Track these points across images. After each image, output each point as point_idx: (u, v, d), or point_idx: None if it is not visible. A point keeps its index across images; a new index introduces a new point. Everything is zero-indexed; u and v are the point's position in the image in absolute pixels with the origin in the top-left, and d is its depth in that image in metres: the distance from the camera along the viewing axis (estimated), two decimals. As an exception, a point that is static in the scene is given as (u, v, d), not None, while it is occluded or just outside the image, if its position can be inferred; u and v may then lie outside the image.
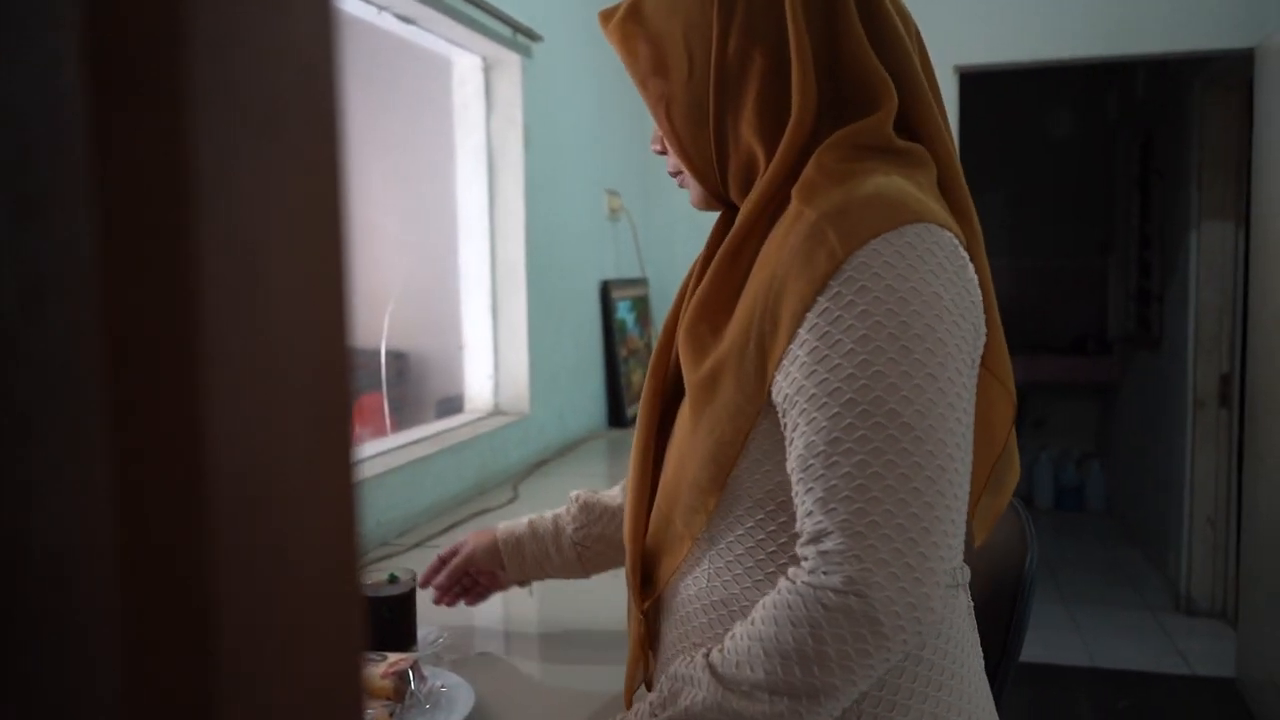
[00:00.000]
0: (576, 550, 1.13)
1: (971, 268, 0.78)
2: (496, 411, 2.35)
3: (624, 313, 2.96)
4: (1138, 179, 4.75)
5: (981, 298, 0.78)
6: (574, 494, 1.16)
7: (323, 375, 0.23)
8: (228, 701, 0.19)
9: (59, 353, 0.23)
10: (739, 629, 0.76)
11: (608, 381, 2.86)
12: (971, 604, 0.89)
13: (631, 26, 0.86)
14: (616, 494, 1.14)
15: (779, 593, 0.74)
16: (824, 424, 0.72)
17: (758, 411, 0.78)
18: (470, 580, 1.20)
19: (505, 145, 2.30)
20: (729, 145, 0.84)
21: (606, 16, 0.89)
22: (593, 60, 2.79)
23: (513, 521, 1.19)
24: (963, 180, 0.83)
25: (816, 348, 0.73)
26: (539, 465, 2.29)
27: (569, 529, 1.14)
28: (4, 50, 0.21)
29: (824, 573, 0.70)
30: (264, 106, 0.21)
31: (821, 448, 0.71)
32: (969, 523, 0.87)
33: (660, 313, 3.31)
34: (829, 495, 0.71)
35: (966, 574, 0.87)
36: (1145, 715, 3.06)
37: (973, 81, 3.33)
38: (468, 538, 1.20)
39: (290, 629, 0.22)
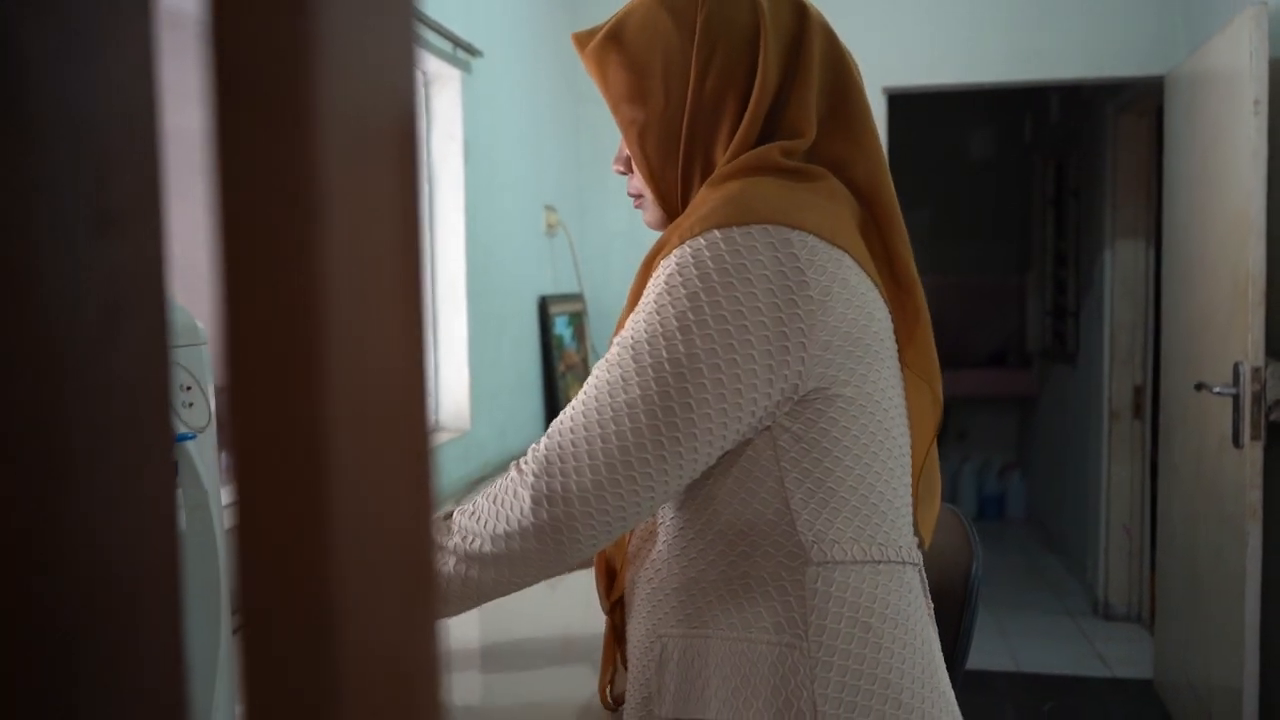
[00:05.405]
0: None
1: (813, 276, 0.77)
2: (436, 428, 2.32)
3: (561, 328, 2.96)
4: (1053, 199, 4.93)
5: (813, 310, 0.77)
6: None
7: (408, 380, 0.23)
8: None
9: (133, 372, 0.23)
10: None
11: (546, 397, 2.85)
12: (927, 591, 0.92)
13: (610, 53, 0.88)
14: None
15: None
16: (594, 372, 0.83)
17: None
18: None
19: (445, 160, 2.29)
20: (695, 174, 0.88)
21: (582, 40, 0.91)
22: (531, 76, 2.80)
23: None
24: (887, 196, 0.88)
25: (630, 319, 0.82)
26: (480, 482, 2.28)
27: None
28: (82, 60, 0.21)
29: (528, 462, 0.83)
30: (362, 124, 0.22)
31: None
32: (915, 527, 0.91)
33: (597, 328, 3.32)
34: (561, 417, 0.82)
35: (917, 554, 0.90)
36: (1069, 718, 3.16)
37: (898, 104, 3.43)
38: None
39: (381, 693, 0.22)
